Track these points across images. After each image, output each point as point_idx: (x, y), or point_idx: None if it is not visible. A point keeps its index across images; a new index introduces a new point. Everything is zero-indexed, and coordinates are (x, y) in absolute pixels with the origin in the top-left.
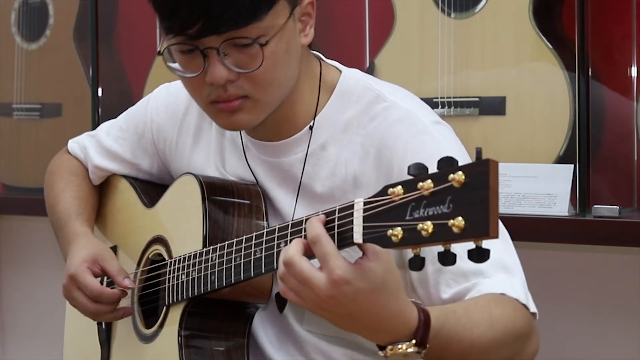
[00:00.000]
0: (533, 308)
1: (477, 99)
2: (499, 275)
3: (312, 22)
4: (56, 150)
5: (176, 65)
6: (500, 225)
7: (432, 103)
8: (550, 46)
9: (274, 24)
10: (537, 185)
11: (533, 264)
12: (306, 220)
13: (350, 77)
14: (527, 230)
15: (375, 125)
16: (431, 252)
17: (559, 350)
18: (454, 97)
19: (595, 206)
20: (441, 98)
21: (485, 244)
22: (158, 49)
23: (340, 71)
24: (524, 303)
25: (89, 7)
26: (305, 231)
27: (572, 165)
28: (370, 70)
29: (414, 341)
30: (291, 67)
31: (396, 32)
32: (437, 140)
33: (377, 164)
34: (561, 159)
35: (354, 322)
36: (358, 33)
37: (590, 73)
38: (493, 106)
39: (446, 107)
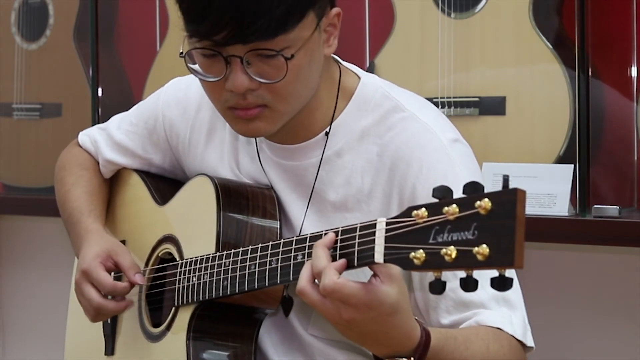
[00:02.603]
0: (530, 342)
1: (477, 99)
2: (500, 308)
3: (337, 32)
4: (56, 150)
5: (196, 67)
6: (513, 274)
7: (432, 103)
8: (550, 46)
9: (301, 36)
10: (537, 185)
11: (533, 264)
12: (326, 233)
13: (368, 84)
14: (527, 230)
15: (393, 135)
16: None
17: (559, 350)
18: (454, 97)
19: (595, 206)
20: (441, 98)
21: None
22: (180, 51)
23: (359, 77)
24: (521, 339)
25: (89, 7)
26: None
27: (572, 165)
28: (370, 70)
29: (412, 359)
30: (312, 78)
31: (396, 32)
32: (452, 160)
33: (392, 176)
34: (561, 159)
35: (363, 337)
36: (358, 33)
37: (590, 73)
38: (493, 106)
39: (446, 107)
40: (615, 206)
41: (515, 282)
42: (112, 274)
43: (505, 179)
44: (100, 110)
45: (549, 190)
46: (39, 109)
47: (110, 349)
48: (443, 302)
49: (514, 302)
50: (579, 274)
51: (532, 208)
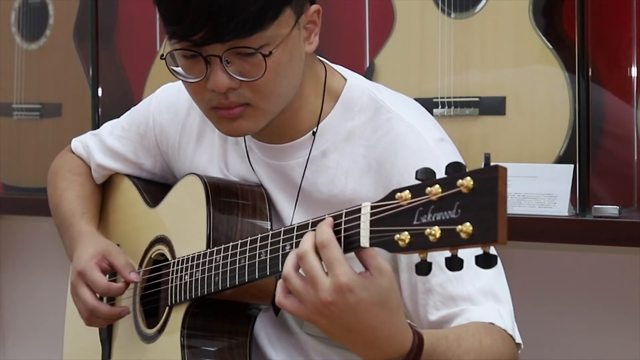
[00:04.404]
0: (518, 339)
1: (477, 99)
2: (488, 303)
3: (317, 30)
4: (56, 150)
5: (179, 69)
6: (495, 252)
7: (432, 103)
8: (550, 46)
9: (279, 33)
10: (537, 185)
11: (533, 264)
12: (313, 222)
13: (355, 85)
14: (527, 230)
15: (379, 137)
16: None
17: (559, 350)
18: (454, 97)
19: (595, 206)
20: (441, 98)
21: (477, 267)
22: (161, 53)
23: (345, 79)
24: (511, 334)
25: (89, 7)
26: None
27: (572, 165)
28: (370, 70)
29: None
30: (294, 76)
31: (396, 32)
32: (438, 160)
33: (377, 177)
34: (561, 159)
35: (349, 333)
36: (358, 33)
37: (590, 73)
38: (493, 106)
39: (446, 107)
40: (615, 206)
41: (502, 278)
42: (107, 276)
43: (487, 157)
44: (100, 110)
45: (549, 190)
46: (39, 109)
47: (107, 354)
48: (431, 298)
49: (502, 297)
50: (579, 274)
51: (532, 208)
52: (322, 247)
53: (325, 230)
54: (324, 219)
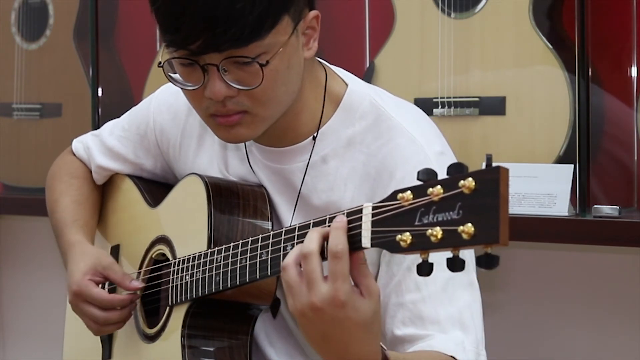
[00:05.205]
0: None
1: (477, 99)
2: (454, 332)
3: (317, 35)
4: (56, 150)
5: (176, 77)
6: (474, 276)
7: (432, 103)
8: (550, 46)
9: (277, 41)
10: (537, 185)
11: (533, 264)
12: (314, 223)
13: (356, 91)
14: (527, 230)
15: (379, 145)
16: (406, 282)
17: (559, 351)
18: (454, 97)
19: (595, 206)
20: (441, 98)
21: (453, 292)
22: (158, 60)
23: (346, 84)
24: None
25: (89, 7)
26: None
27: (572, 165)
28: (370, 70)
29: None
30: (292, 82)
31: (396, 32)
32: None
33: (375, 186)
34: (561, 159)
35: (324, 341)
36: (358, 33)
37: (590, 73)
38: (493, 106)
39: (446, 107)
40: (615, 206)
41: (477, 304)
42: (107, 284)
43: (488, 158)
44: (100, 110)
45: (549, 190)
46: (39, 109)
47: (107, 354)
48: (401, 312)
49: (469, 326)
50: (579, 274)
51: (532, 208)
52: (335, 257)
53: (342, 241)
54: (326, 218)
